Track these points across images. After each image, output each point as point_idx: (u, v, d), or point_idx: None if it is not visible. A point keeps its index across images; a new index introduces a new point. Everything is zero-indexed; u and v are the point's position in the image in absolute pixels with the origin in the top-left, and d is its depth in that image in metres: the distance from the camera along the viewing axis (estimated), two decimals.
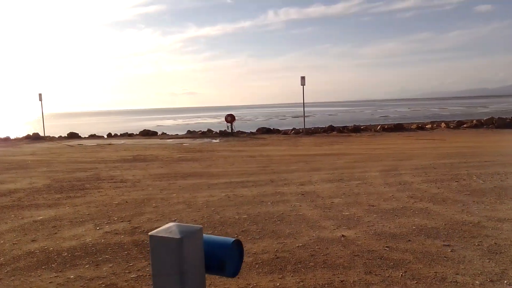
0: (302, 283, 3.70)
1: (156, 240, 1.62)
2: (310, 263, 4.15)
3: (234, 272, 1.75)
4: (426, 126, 24.96)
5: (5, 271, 4.21)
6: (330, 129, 23.98)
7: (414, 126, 24.90)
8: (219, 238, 1.78)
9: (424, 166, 9.86)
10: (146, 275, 4.01)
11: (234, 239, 1.80)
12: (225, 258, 1.67)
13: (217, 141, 20.23)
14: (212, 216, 5.95)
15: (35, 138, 25.30)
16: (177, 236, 1.57)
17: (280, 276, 3.89)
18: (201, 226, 1.62)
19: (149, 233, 1.49)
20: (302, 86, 22.74)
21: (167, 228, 1.66)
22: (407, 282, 3.64)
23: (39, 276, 4.07)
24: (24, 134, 26.91)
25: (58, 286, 3.82)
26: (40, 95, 25.52)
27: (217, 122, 48.74)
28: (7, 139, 25.07)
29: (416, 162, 10.60)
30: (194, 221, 5.77)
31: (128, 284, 3.83)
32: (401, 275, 3.79)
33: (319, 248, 4.57)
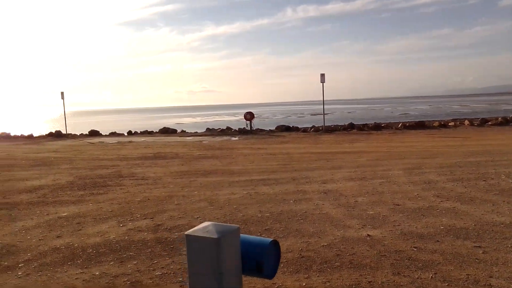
0: (328, 284, 3.63)
1: (193, 240, 1.56)
2: (336, 263, 4.07)
3: (271, 273, 1.69)
4: (449, 124, 24.48)
5: (33, 266, 4.25)
6: (350, 127, 23.72)
7: (436, 124, 24.44)
8: (256, 238, 1.72)
9: (449, 164, 9.64)
10: (170, 273, 3.99)
11: (271, 239, 1.73)
12: (262, 258, 1.61)
13: (236, 138, 20.22)
14: (235, 214, 5.92)
15: (57, 135, 25.72)
16: (214, 235, 1.51)
17: (305, 275, 3.83)
18: (238, 226, 1.56)
19: (185, 232, 1.44)
20: (321, 84, 22.55)
21: (204, 228, 1.60)
22: (437, 284, 3.53)
23: (65, 272, 4.09)
24: (47, 132, 27.38)
25: (84, 283, 3.83)
26: (62, 93, 25.93)
27: (235, 120, 48.83)
28: (31, 137, 25.55)
29: (441, 160, 10.38)
30: (217, 219, 5.74)
31: (152, 282, 3.82)
32: (431, 276, 3.68)
33: (344, 248, 4.48)
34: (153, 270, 4.08)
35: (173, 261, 4.28)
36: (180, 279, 3.85)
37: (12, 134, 26.59)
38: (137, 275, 3.98)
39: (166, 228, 5.39)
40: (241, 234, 1.64)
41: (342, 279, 3.71)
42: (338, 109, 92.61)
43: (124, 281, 3.85)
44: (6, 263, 4.37)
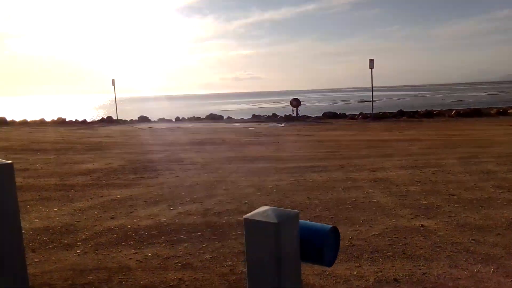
0: (380, 273, 3.53)
1: (251, 224, 1.52)
2: (388, 253, 3.95)
3: (331, 261, 1.63)
4: (509, 111, 23.15)
5: (89, 245, 4.42)
6: (399, 114, 23.01)
7: (494, 111, 23.21)
8: (316, 225, 1.66)
9: (509, 154, 9.12)
10: (220, 257, 4.03)
11: (331, 226, 1.66)
12: (322, 245, 1.54)
13: (283, 125, 20.14)
14: (283, 201, 5.89)
15: (109, 121, 26.70)
16: (274, 220, 1.45)
17: (356, 264, 3.74)
18: (298, 211, 1.51)
19: (243, 216, 1.40)
20: (370, 69, 21.94)
21: (263, 212, 1.55)
22: (500, 279, 3.34)
23: (119, 252, 4.23)
24: (99, 118, 28.48)
25: (137, 263, 3.94)
26: (113, 80, 26.81)
27: (281, 107, 48.65)
28: (84, 122, 26.69)
29: (500, 149, 9.84)
30: (265, 204, 5.72)
31: (203, 265, 3.87)
32: (493, 271, 3.49)
33: (396, 237, 4.35)
34: (203, 253, 4.14)
35: (222, 245, 4.32)
36: (230, 263, 3.88)
37: (67, 120, 27.87)
38: (187, 257, 4.04)
39: (215, 212, 5.45)
40: (300, 220, 1.58)
41: (395, 269, 3.59)
42: (387, 96, 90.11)
43: (175, 263, 3.93)
44: (66, 241, 4.58)
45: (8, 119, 28.63)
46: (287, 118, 23.95)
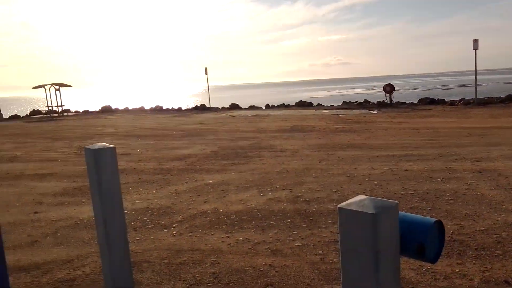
0: (488, 273, 3.22)
1: (347, 214, 1.42)
2: (497, 251, 3.60)
3: (434, 257, 1.49)
4: None
5: (185, 227, 4.63)
6: (508, 99, 20.91)
7: None
8: (417, 217, 1.52)
9: None
10: (310, 244, 3.98)
11: (435, 219, 1.51)
12: (424, 240, 1.41)
13: (375, 112, 19.38)
14: (376, 190, 5.65)
15: (202, 109, 27.79)
16: (372, 211, 1.34)
17: (459, 261, 3.46)
18: (397, 201, 1.37)
19: (338, 206, 1.31)
20: (474, 51, 20.16)
21: (359, 202, 1.44)
22: None
23: (212, 235, 4.37)
24: (193, 105, 29.77)
25: (229, 246, 4.04)
26: (205, 69, 27.78)
27: (373, 93, 46.89)
28: (179, 110, 28.09)
29: None
30: (357, 193, 5.55)
31: (293, 252, 3.84)
32: None
33: (506, 234, 3.94)
34: (293, 240, 4.12)
35: (312, 233, 4.26)
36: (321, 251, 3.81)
37: (164, 107, 29.56)
38: (277, 243, 4.05)
39: (305, 200, 5.40)
40: (400, 212, 1.45)
41: (506, 270, 3.25)
42: (493, 79, 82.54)
43: (265, 248, 3.95)
44: (163, 222, 4.84)
45: (113, 107, 31.15)
46: (380, 105, 22.99)
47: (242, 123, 16.83)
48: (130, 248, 4.02)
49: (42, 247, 4.22)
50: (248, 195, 5.78)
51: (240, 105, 28.27)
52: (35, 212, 5.40)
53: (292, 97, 43.36)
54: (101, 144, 2.92)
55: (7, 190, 6.64)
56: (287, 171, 7.14)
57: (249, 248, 3.98)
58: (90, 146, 2.83)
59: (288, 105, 27.45)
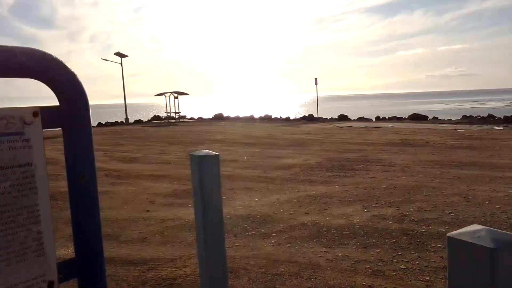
0: None
1: (458, 245, 1.22)
2: None
3: None
4: None
5: (284, 237, 4.59)
6: None
7: None
8: None
9: None
10: (415, 268, 3.66)
11: None
12: None
13: (501, 128, 17.52)
14: (497, 215, 5.04)
15: (310, 119, 27.76)
16: (489, 245, 1.13)
17: None
18: None
19: (447, 234, 1.12)
20: None
21: (473, 232, 1.23)
22: None
23: (311, 248, 4.26)
24: (301, 115, 29.88)
25: (327, 262, 3.90)
26: (315, 79, 27.75)
27: (499, 107, 42.61)
28: (287, 119, 28.40)
29: None
30: (474, 217, 5.01)
31: (395, 275, 3.57)
32: None
33: None
34: (397, 262, 3.83)
35: (419, 256, 3.92)
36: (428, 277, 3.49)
37: (272, 117, 30.13)
38: (379, 264, 3.81)
39: (413, 219, 5.01)
40: None
41: None
42: None
43: (365, 267, 3.74)
44: (263, 230, 4.86)
45: (225, 115, 32.62)
46: (508, 120, 20.74)
47: (349, 134, 16.41)
48: (229, 254, 4.09)
49: (150, 244, 4.50)
50: (351, 209, 5.56)
51: (348, 116, 27.69)
52: (147, 211, 5.81)
53: (405, 109, 41.25)
54: (205, 151, 3.01)
55: (126, 188, 7.26)
56: (395, 187, 6.74)
57: (348, 266, 3.79)
58: (195, 153, 2.93)
59: (401, 117, 26.16)
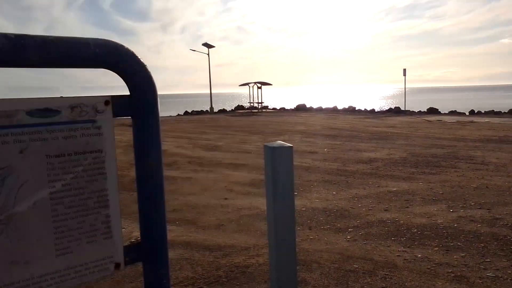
0: None
1: None
2: None
3: None
4: None
5: (360, 233, 4.45)
6: None
7: None
8: None
9: None
10: (507, 278, 3.36)
11: None
12: None
13: None
14: None
15: (396, 111, 26.58)
16: None
17: None
18: None
19: None
20: None
21: None
22: None
23: (388, 246, 4.09)
24: (387, 108, 28.72)
25: (405, 262, 3.71)
26: (404, 70, 26.43)
27: None
28: (372, 111, 27.46)
29: None
30: None
31: (482, 282, 3.30)
32: None
33: None
34: (484, 269, 3.53)
35: (511, 265, 3.58)
36: None
37: (356, 109, 29.31)
38: (463, 269, 3.54)
39: (506, 224, 4.59)
40: None
41: None
42: None
43: (447, 272, 3.50)
44: (339, 225, 4.76)
45: (307, 106, 32.38)
46: None
47: (438, 129, 15.45)
48: (302, 247, 4.07)
49: (226, 231, 4.61)
50: (435, 209, 5.23)
51: (439, 110, 26.08)
52: (225, 198, 5.96)
53: (505, 103, 37.82)
54: (279, 142, 2.99)
55: (207, 176, 7.51)
56: (487, 187, 6.21)
57: (428, 268, 3.57)
58: (269, 144, 2.93)
59: (499, 112, 24.06)
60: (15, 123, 1.02)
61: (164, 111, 37.61)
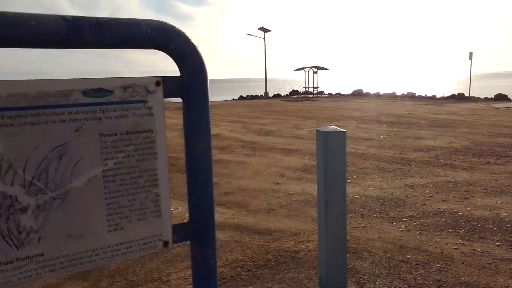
0: None
1: None
2: None
3: None
4: None
5: (414, 223, 4.30)
6: None
7: None
8: None
9: None
10: None
11: None
12: None
13: None
14: None
15: (459, 98, 25.24)
16: None
17: None
18: None
19: None
20: None
21: None
22: None
23: (444, 238, 3.92)
24: (449, 94, 27.33)
25: (462, 256, 3.54)
26: (470, 54, 24.97)
27: None
28: (433, 98, 26.26)
29: None
30: None
31: None
32: None
33: None
34: None
35: None
36: None
37: (416, 94, 28.16)
38: None
39: None
40: None
41: None
42: None
43: (509, 268, 3.30)
44: (392, 214, 4.62)
45: (365, 91, 31.55)
46: None
47: (506, 117, 14.51)
48: (354, 234, 4.00)
49: (277, 216, 4.62)
50: (499, 201, 4.94)
51: (508, 96, 24.43)
52: (277, 183, 5.96)
53: None
54: (332, 127, 2.93)
55: (259, 160, 7.55)
56: None
57: (488, 263, 3.39)
58: (321, 128, 2.87)
59: None
60: (71, 102, 1.05)
61: (219, 95, 38.17)
